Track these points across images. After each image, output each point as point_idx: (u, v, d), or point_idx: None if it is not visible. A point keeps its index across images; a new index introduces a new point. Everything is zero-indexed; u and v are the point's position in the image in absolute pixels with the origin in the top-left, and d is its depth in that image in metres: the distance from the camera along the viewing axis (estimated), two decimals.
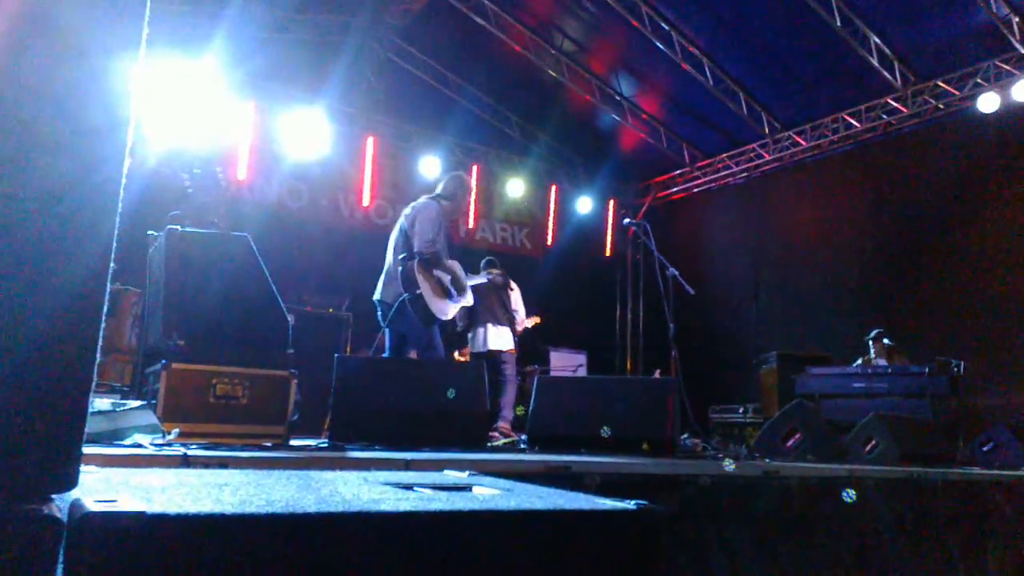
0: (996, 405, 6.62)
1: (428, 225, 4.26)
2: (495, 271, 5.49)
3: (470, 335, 6.12)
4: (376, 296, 4.47)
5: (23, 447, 0.78)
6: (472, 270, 6.64)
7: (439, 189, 4.66)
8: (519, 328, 6.29)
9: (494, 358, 5.89)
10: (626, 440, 3.75)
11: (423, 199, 4.53)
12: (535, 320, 6.85)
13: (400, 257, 4.26)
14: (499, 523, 0.94)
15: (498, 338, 6.03)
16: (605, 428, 3.75)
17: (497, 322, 6.05)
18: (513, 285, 6.47)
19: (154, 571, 0.73)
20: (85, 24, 0.84)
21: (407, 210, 4.51)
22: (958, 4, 6.95)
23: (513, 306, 6.21)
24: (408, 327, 4.30)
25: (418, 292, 4.10)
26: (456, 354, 6.93)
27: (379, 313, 4.45)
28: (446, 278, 4.32)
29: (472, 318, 6.04)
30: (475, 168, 10.00)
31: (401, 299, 4.14)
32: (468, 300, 4.59)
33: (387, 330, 4.44)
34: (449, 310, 4.33)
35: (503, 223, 10.35)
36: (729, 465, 3.03)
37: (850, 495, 2.99)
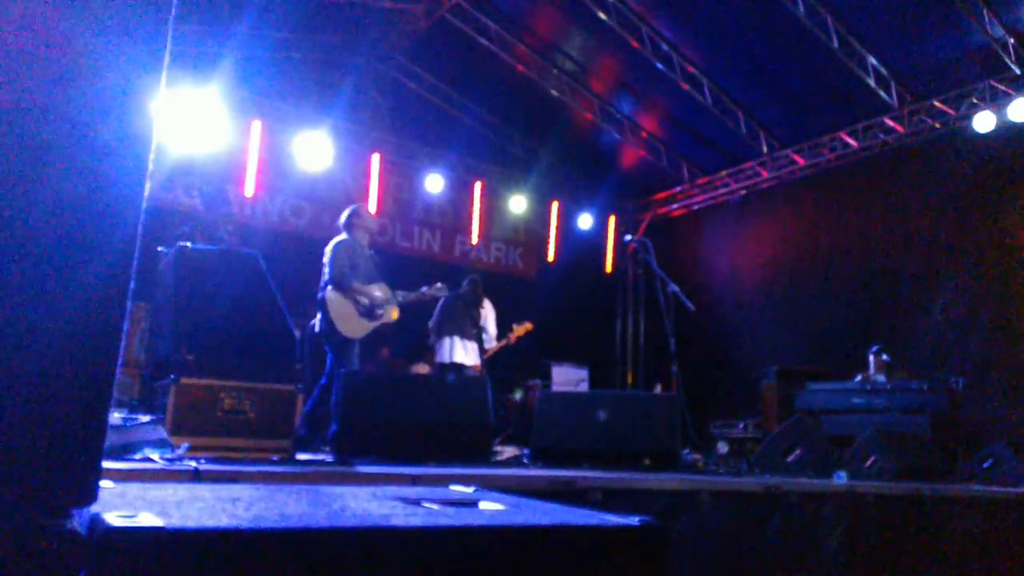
0: (995, 421, 6.61)
1: (333, 259, 4.90)
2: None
3: (436, 346, 6.21)
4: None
5: (44, 462, 0.78)
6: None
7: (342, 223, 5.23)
8: (488, 346, 6.33)
9: (459, 371, 5.98)
10: (628, 455, 3.76)
11: (336, 238, 5.15)
12: (526, 327, 6.86)
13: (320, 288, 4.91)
14: (506, 539, 0.96)
15: (463, 352, 6.11)
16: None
17: (464, 336, 6.16)
18: (486, 303, 6.53)
19: None
20: (103, 44, 0.84)
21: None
22: (954, 25, 7.02)
23: (483, 323, 6.26)
24: (328, 347, 4.84)
25: (330, 317, 4.72)
26: (421, 365, 6.99)
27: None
28: (364, 300, 4.83)
29: (440, 330, 6.19)
30: (478, 185, 10.07)
31: (312, 324, 4.80)
32: (388, 318, 4.97)
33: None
34: (359, 328, 4.81)
35: (498, 243, 10.41)
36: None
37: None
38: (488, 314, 6.48)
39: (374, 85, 8.96)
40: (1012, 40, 7.00)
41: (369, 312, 4.85)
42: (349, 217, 5.20)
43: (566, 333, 9.39)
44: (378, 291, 4.93)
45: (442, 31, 8.46)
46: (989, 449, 5.33)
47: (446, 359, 6.16)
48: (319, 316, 4.83)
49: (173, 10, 0.92)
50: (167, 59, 0.91)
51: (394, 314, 4.98)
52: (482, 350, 6.10)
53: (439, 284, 5.55)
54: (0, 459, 0.76)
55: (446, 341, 6.19)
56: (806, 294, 9.05)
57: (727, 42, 8.03)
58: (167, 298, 3.29)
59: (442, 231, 9.92)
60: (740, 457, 6.44)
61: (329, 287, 4.81)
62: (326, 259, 4.95)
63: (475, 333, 6.11)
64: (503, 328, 6.94)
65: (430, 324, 6.42)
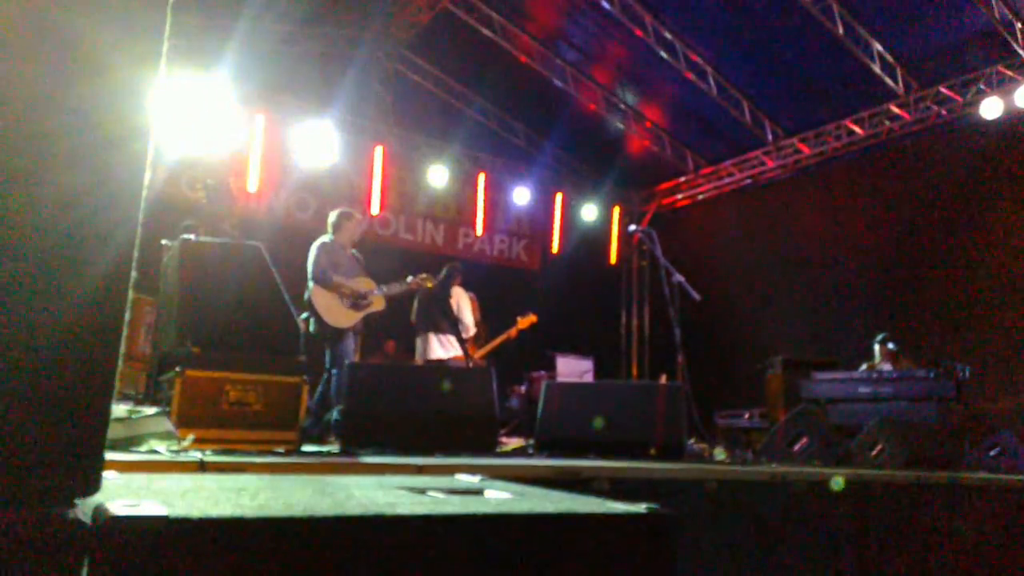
0: (1002, 410, 6.59)
1: (312, 259, 5.12)
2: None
3: (417, 343, 6.20)
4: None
5: (47, 452, 0.78)
6: (466, 280, 6.65)
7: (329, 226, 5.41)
8: (466, 335, 6.26)
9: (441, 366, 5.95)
10: (634, 444, 3.77)
11: (319, 239, 5.30)
12: (530, 319, 6.83)
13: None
14: (512, 526, 0.95)
15: (440, 347, 6.07)
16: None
17: (438, 331, 6.11)
18: (458, 292, 6.45)
19: (176, 574, 0.75)
20: (103, 37, 0.84)
21: None
22: (960, 10, 6.96)
23: (457, 313, 6.20)
24: (325, 345, 5.03)
25: (318, 312, 4.95)
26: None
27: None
28: (346, 292, 5.05)
29: (417, 327, 6.18)
30: (482, 176, 10.06)
31: (304, 318, 4.95)
32: (374, 308, 5.20)
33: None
34: (347, 318, 5.05)
35: (502, 235, 10.40)
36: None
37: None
38: (462, 303, 6.39)
39: (377, 78, 8.95)
40: (1019, 24, 6.93)
41: (354, 303, 5.08)
42: (338, 218, 5.31)
43: (571, 324, 9.38)
44: (360, 284, 5.15)
45: (445, 22, 8.44)
46: (995, 437, 5.32)
47: (421, 357, 6.14)
48: (308, 315, 4.99)
49: (170, 1, 0.92)
50: (166, 50, 0.91)
51: (380, 304, 5.19)
52: (461, 341, 6.02)
53: (423, 274, 5.59)
54: (3, 449, 0.76)
55: (419, 340, 6.19)
56: (811, 283, 9.02)
57: (731, 31, 7.99)
58: (172, 291, 3.30)
59: (445, 224, 9.92)
60: (746, 447, 6.44)
61: (311, 283, 5.04)
62: (308, 261, 5.13)
63: (449, 325, 6.03)
64: (507, 321, 6.93)
65: (412, 320, 6.37)
